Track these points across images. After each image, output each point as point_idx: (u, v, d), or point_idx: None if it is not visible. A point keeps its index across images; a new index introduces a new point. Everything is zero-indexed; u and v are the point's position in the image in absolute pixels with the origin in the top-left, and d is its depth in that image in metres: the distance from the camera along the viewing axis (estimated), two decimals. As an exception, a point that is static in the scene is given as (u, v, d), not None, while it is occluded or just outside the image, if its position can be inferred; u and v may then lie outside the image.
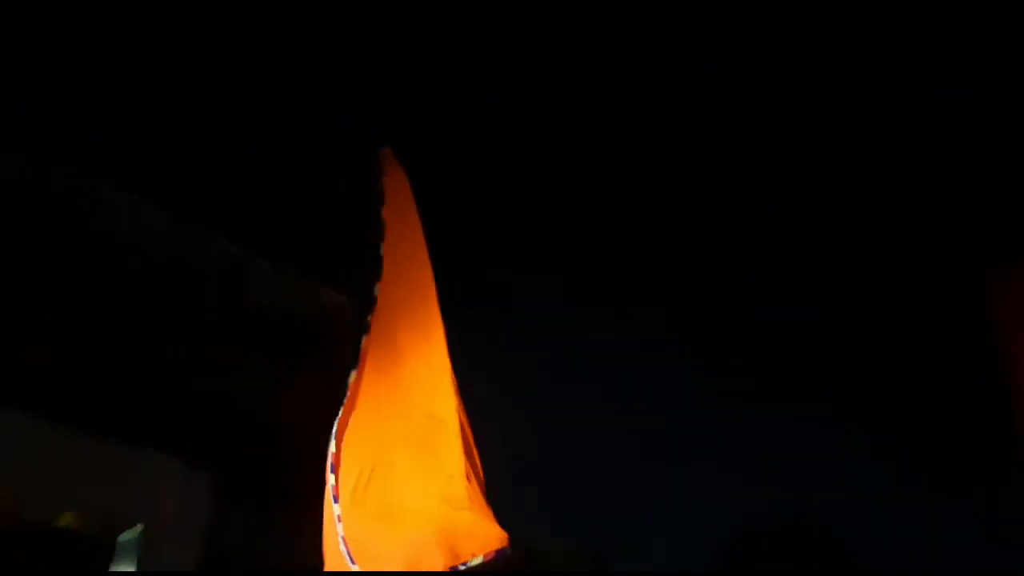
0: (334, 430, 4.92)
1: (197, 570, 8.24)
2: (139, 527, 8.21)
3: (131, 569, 8.08)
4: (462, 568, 4.16)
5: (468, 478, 4.37)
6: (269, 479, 9.22)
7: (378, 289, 4.67)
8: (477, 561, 4.13)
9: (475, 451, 4.56)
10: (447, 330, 4.83)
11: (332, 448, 4.88)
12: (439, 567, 4.10)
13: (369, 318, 4.69)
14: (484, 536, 4.07)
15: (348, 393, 4.93)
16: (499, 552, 4.13)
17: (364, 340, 4.76)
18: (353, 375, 4.86)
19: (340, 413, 4.95)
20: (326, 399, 10.43)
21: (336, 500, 4.73)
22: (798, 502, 22.23)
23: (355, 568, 4.49)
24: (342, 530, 4.49)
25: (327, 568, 4.58)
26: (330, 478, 4.78)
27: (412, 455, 4.55)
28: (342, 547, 4.51)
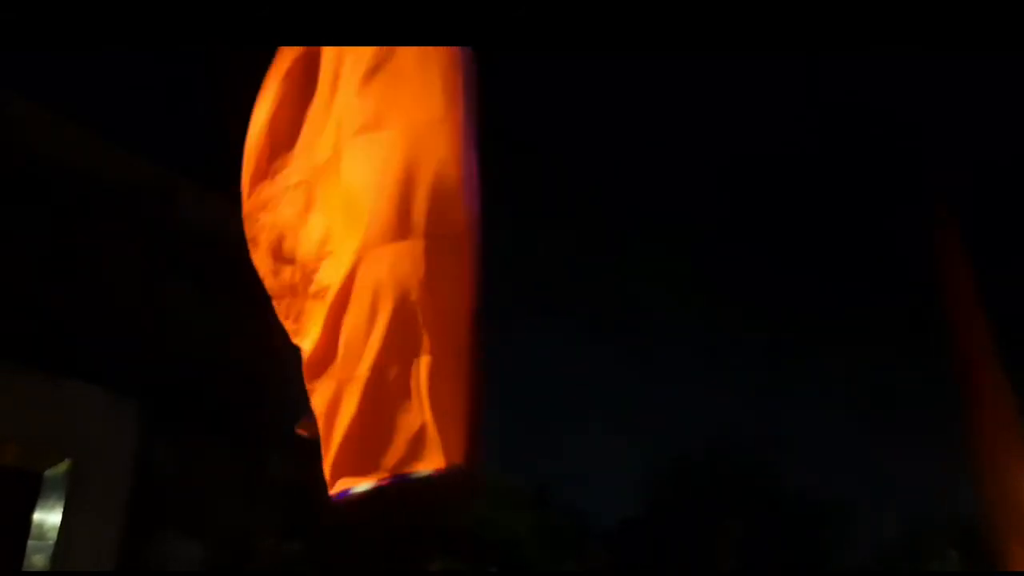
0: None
1: (128, 502, 8.00)
2: (66, 461, 7.92)
3: (60, 504, 7.82)
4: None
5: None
6: (198, 405, 8.95)
7: None
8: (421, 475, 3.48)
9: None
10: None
11: None
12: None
13: None
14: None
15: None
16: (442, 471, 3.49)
17: None
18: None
19: None
20: (255, 324, 10.15)
21: None
22: (725, 431, 22.65)
23: None
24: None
25: None
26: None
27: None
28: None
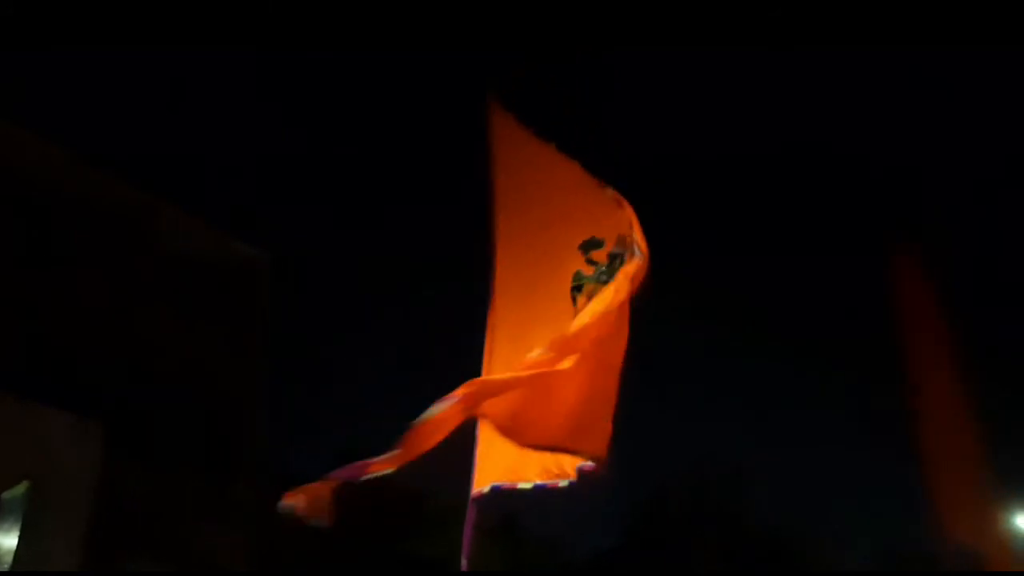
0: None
1: (88, 527, 7.92)
2: (24, 484, 7.84)
3: (16, 527, 7.73)
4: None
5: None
6: (164, 429, 8.90)
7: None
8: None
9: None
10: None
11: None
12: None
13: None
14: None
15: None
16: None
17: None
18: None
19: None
20: (232, 350, 10.16)
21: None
22: (701, 464, 22.52)
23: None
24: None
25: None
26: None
27: None
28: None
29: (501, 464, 4.53)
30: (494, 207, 5.02)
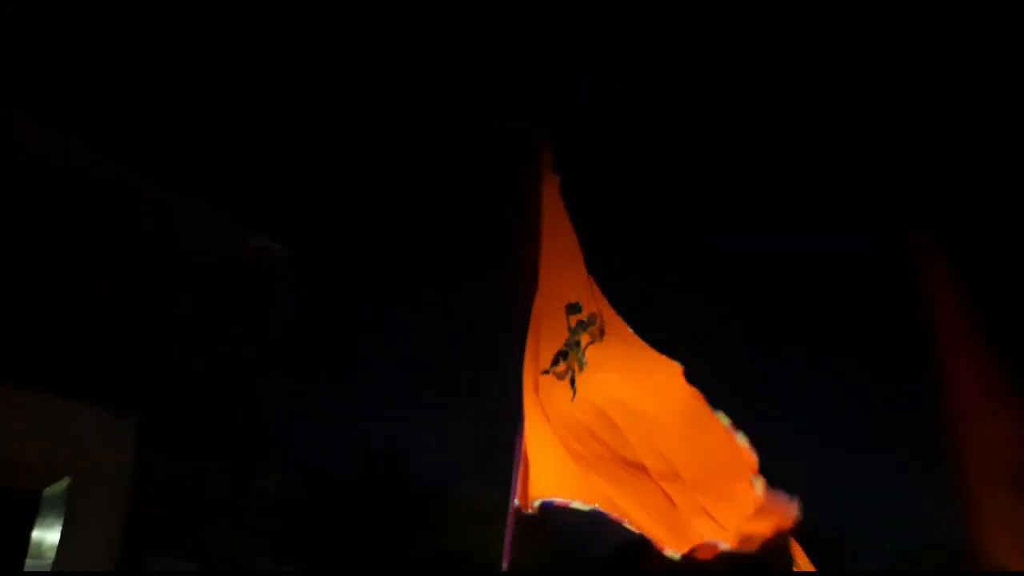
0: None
1: (125, 521, 8.01)
2: (65, 480, 7.92)
3: (58, 524, 7.82)
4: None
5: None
6: (195, 427, 8.97)
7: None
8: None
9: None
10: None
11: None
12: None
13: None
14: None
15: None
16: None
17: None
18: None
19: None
20: (254, 346, 10.24)
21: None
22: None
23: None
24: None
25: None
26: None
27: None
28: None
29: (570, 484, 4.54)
30: (540, 259, 5.15)
